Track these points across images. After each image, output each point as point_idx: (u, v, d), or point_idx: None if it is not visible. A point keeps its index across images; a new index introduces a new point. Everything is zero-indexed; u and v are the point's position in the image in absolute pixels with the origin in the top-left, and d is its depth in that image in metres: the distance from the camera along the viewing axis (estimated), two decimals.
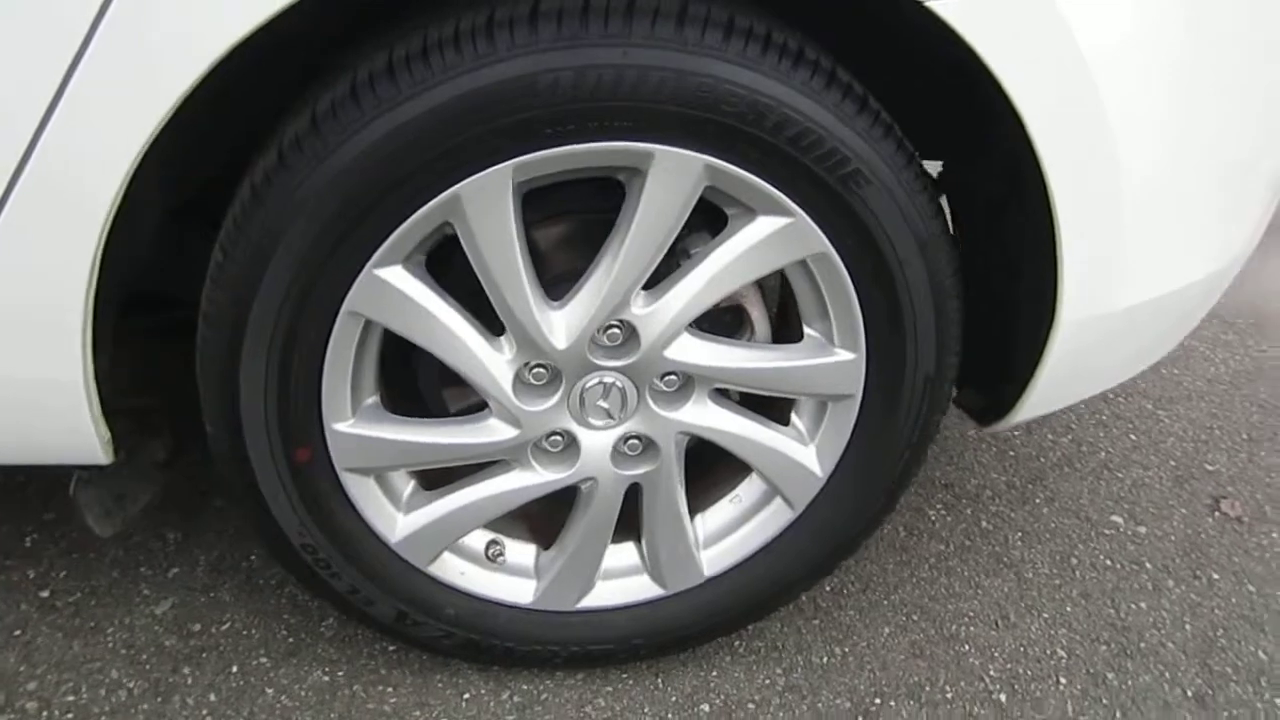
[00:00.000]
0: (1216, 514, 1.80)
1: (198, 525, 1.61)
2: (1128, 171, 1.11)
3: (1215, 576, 1.67)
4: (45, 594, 1.48)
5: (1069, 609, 1.59)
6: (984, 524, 1.76)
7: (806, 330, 1.22)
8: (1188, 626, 1.57)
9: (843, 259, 1.13)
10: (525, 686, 1.39)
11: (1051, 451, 1.94)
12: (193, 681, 1.36)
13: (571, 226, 1.22)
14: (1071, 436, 1.98)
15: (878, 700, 1.42)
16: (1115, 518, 1.78)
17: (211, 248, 1.09)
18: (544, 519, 1.34)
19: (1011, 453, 1.94)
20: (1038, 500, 1.82)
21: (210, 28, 0.90)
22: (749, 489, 1.35)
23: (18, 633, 1.42)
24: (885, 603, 1.58)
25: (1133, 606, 1.60)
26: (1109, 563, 1.69)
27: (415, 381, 1.28)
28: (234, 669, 1.38)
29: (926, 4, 0.97)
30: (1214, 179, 1.21)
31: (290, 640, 1.44)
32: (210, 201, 1.19)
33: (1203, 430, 2.02)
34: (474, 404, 1.27)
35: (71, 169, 0.95)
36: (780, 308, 1.37)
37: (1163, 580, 1.66)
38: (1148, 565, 1.69)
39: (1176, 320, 1.34)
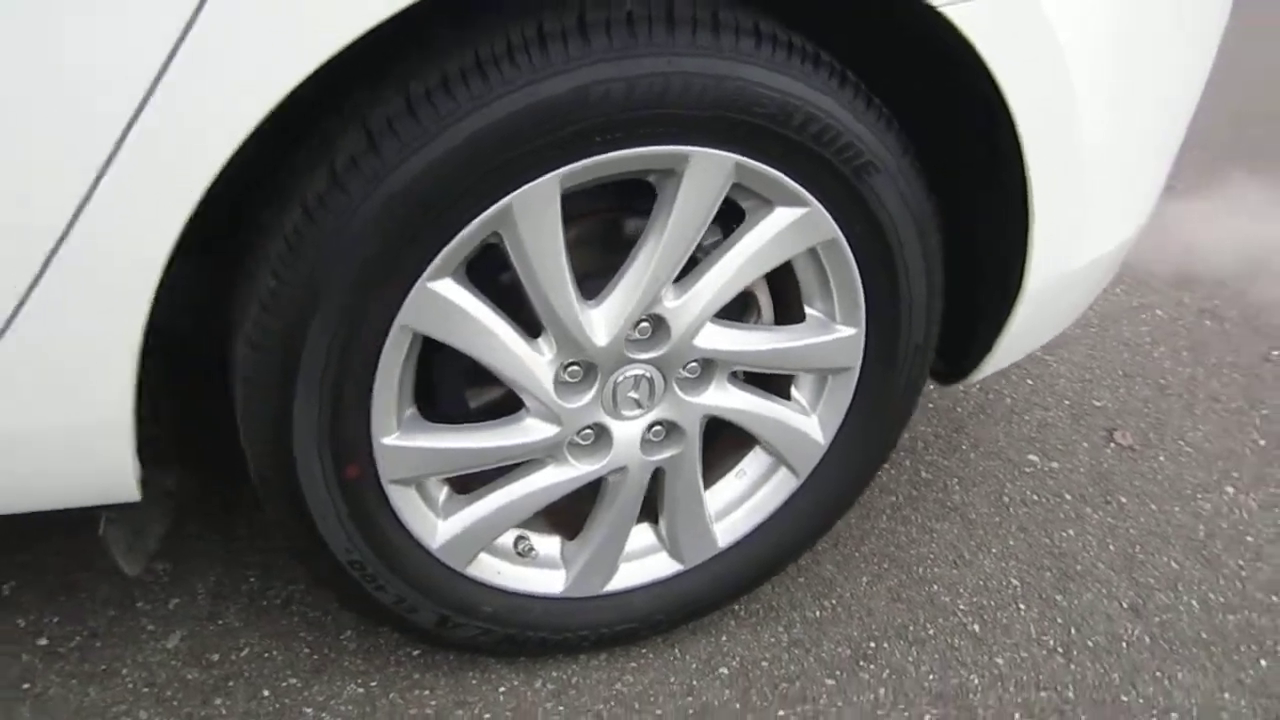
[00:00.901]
0: (1112, 445, 2.02)
1: (184, 552, 1.56)
2: (1089, 150, 1.25)
3: (1124, 500, 1.88)
4: (43, 641, 1.41)
5: (1012, 543, 1.76)
6: (924, 474, 1.91)
7: (808, 310, 1.31)
8: (1111, 547, 1.77)
9: (850, 244, 1.23)
10: (555, 674, 1.44)
11: (965, 401, 2.12)
12: (227, 711, 1.34)
13: (585, 228, 1.26)
14: (980, 385, 2.16)
15: (872, 644, 1.54)
16: (1031, 456, 1.97)
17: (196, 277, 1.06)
18: (564, 510, 1.38)
19: (931, 405, 2.10)
20: (964, 447, 1.98)
21: (297, 51, 0.89)
22: (754, 462, 1.43)
23: (26, 685, 1.35)
24: (857, 555, 1.71)
25: (1063, 534, 1.79)
26: (1035, 498, 1.87)
27: (433, 383, 1.29)
28: (265, 693, 1.36)
29: (939, 9, 1.07)
30: (1144, 150, 1.38)
31: (315, 657, 1.43)
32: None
33: (1086, 370, 2.25)
34: (492, 401, 1.30)
35: (140, 202, 0.92)
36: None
37: (1082, 508, 1.85)
38: (1067, 496, 1.88)
39: (1109, 272, 1.51)
